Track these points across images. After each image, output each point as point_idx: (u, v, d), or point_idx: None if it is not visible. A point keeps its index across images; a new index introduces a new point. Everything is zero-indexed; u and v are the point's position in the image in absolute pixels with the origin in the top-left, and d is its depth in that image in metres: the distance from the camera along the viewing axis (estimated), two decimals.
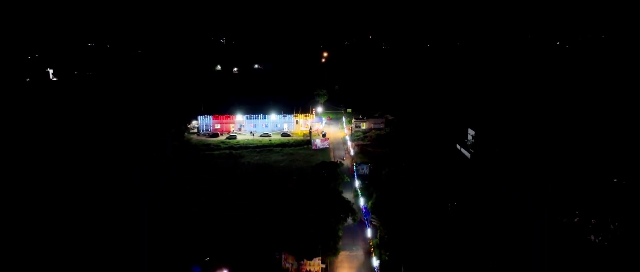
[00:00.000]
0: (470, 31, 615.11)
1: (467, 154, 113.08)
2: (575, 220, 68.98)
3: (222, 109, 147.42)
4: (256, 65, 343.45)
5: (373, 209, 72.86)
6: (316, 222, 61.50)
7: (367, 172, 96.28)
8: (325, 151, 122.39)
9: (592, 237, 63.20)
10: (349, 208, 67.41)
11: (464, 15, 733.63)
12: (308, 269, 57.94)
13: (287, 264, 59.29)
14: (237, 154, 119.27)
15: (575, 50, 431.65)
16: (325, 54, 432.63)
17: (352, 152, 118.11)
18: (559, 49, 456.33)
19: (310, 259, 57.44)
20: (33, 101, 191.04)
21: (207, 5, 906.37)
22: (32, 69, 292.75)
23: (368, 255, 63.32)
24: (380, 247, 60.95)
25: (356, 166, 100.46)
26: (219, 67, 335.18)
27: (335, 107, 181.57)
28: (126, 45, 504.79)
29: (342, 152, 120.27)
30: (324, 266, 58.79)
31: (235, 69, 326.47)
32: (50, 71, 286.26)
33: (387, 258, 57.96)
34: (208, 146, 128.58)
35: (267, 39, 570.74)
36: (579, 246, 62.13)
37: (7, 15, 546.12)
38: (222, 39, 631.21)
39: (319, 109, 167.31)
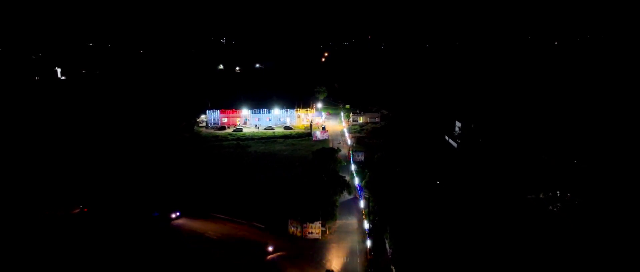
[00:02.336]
0: (470, 32, 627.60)
1: (454, 144, 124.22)
2: (541, 196, 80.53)
3: (228, 104, 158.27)
4: (257, 65, 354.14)
5: (366, 186, 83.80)
6: (316, 193, 72.58)
7: (363, 159, 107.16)
8: (324, 141, 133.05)
9: (551, 208, 74.40)
10: (345, 183, 78.39)
11: (464, 16, 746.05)
12: (310, 231, 69.01)
13: (292, 228, 70.36)
14: (244, 145, 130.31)
15: (574, 50, 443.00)
16: (325, 54, 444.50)
17: (349, 143, 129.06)
18: (557, 49, 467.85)
19: (312, 222, 68.52)
20: (45, 98, 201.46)
21: (205, 5, 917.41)
22: (39, 67, 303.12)
23: (361, 223, 74.33)
24: (370, 213, 72.01)
25: (353, 153, 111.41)
26: (221, 66, 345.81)
27: (334, 103, 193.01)
28: (127, 45, 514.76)
29: (340, 143, 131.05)
30: (323, 229, 69.81)
31: (237, 68, 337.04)
32: (58, 70, 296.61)
33: (375, 222, 69.00)
34: (217, 137, 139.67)
35: (268, 39, 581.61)
36: (540, 216, 73.25)
37: (9, 15, 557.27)
38: (223, 39, 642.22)
39: (319, 105, 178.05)
